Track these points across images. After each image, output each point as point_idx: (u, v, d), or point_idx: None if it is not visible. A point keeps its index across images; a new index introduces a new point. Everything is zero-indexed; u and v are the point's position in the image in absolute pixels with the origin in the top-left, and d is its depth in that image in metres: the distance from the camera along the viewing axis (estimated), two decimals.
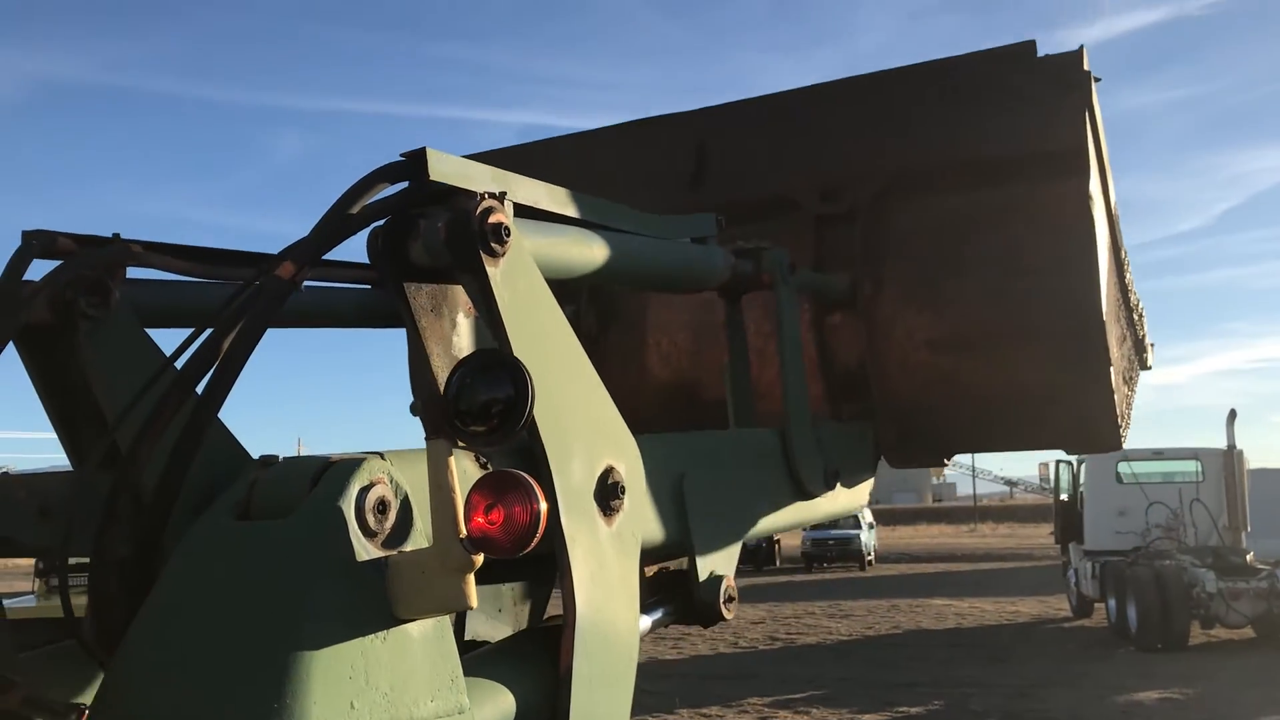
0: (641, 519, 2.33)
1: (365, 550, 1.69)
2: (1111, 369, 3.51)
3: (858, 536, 37.11)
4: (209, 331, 1.97)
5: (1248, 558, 18.78)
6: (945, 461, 3.95)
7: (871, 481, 3.76)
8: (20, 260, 2.47)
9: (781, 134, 3.98)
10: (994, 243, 3.58)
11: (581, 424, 2.18)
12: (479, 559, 1.69)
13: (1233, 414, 20.40)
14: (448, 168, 2.03)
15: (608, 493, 2.19)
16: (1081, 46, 3.57)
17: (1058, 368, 3.52)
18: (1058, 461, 24.05)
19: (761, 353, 3.43)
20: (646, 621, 2.51)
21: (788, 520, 3.25)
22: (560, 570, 2.05)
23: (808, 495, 3.22)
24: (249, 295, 1.96)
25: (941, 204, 3.69)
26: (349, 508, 1.69)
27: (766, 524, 3.11)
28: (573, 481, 2.10)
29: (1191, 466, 20.71)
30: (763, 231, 3.60)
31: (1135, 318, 4.13)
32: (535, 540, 1.74)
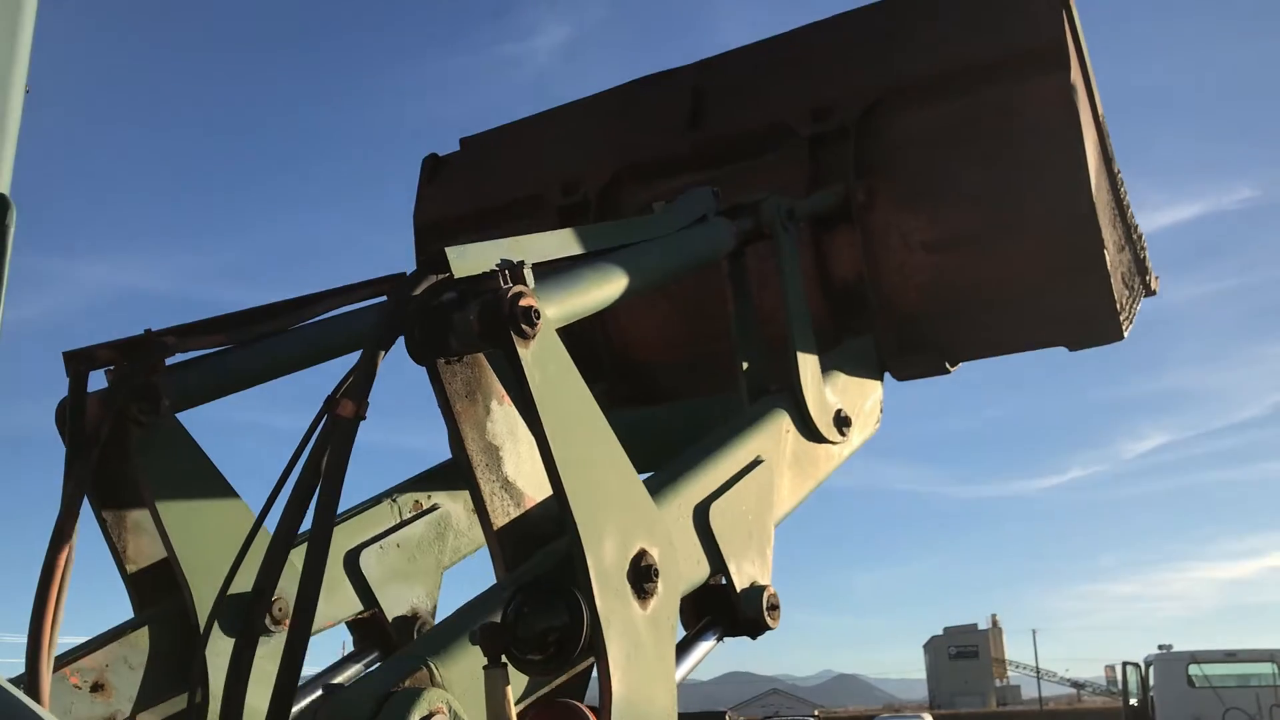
0: (676, 607, 2.34)
1: None
2: (1105, 253, 3.53)
3: None
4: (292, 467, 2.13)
5: None
6: (949, 368, 3.88)
7: (880, 399, 3.71)
8: (78, 391, 2.61)
9: (771, 68, 4.15)
10: (983, 142, 3.66)
11: (614, 505, 2.23)
12: None
13: None
14: (468, 260, 2.19)
15: (641, 575, 2.22)
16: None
17: (1052, 257, 3.56)
18: (1125, 664, 23.02)
19: (761, 274, 3.42)
20: (702, 647, 2.56)
21: (810, 485, 3.21)
22: (595, 652, 2.07)
23: (823, 440, 3.23)
24: (319, 436, 2.11)
25: (930, 113, 3.78)
26: None
27: (792, 502, 3.09)
28: (606, 562, 2.14)
29: (1268, 669, 19.71)
30: (758, 166, 3.79)
31: (1134, 236, 4.13)
32: None
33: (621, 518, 2.23)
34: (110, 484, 2.71)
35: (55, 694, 2.44)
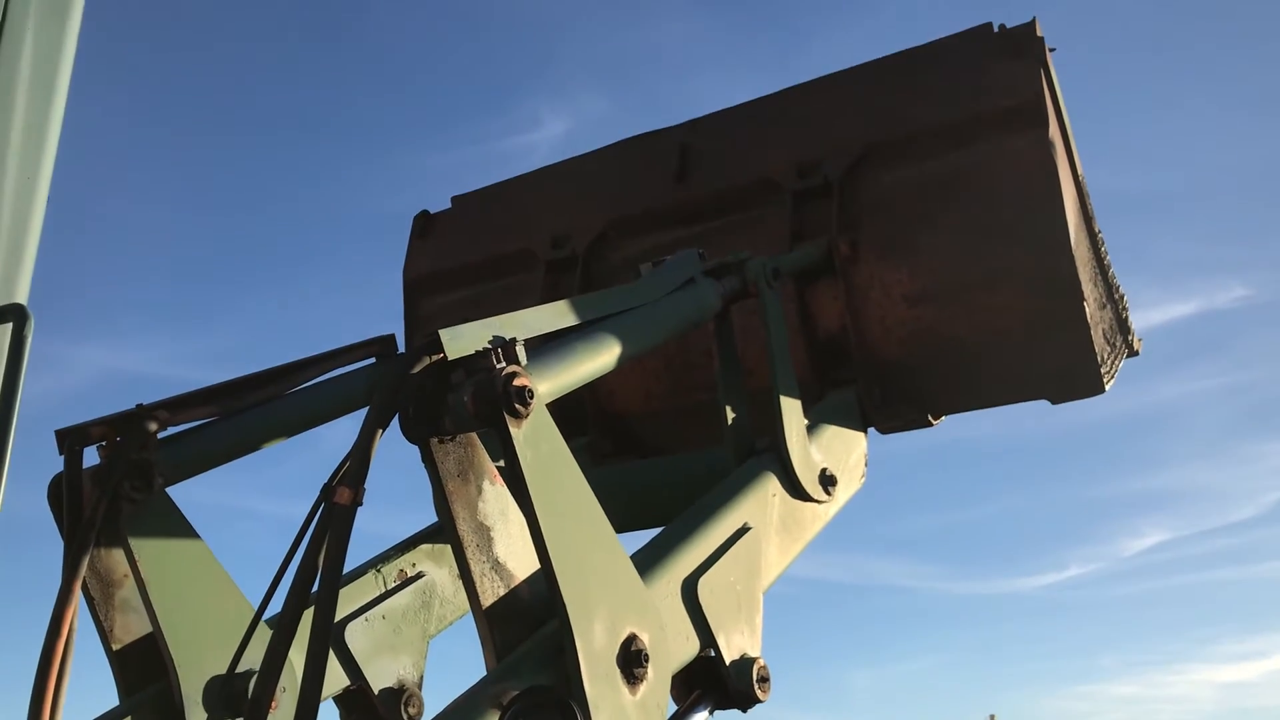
0: (666, 693, 2.33)
1: None
2: (1086, 307, 3.57)
3: None
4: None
5: None
6: (932, 421, 3.92)
7: (864, 452, 3.71)
8: (73, 468, 2.62)
9: (757, 126, 4.23)
10: (964, 197, 3.74)
11: (604, 588, 2.23)
12: None
13: None
14: (462, 342, 2.22)
15: (631, 660, 2.22)
16: (1034, 18, 3.86)
17: (1033, 311, 3.61)
18: None
19: (745, 328, 3.45)
20: None
21: (797, 547, 3.20)
22: None
23: (810, 499, 3.23)
24: (318, 523, 2.13)
25: (913, 170, 3.87)
26: None
27: (779, 568, 3.08)
28: (595, 647, 2.14)
29: None
30: (744, 220, 3.89)
31: (1115, 295, 4.18)
32: None
33: (611, 601, 2.23)
34: (98, 560, 2.69)
35: None
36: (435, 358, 2.19)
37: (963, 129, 3.81)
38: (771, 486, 3.11)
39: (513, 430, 2.13)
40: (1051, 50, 3.90)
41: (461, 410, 2.16)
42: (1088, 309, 3.62)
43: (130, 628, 2.79)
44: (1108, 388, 3.81)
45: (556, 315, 2.62)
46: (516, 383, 2.14)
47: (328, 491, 2.11)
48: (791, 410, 3.27)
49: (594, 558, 2.24)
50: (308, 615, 2.02)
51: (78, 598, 2.46)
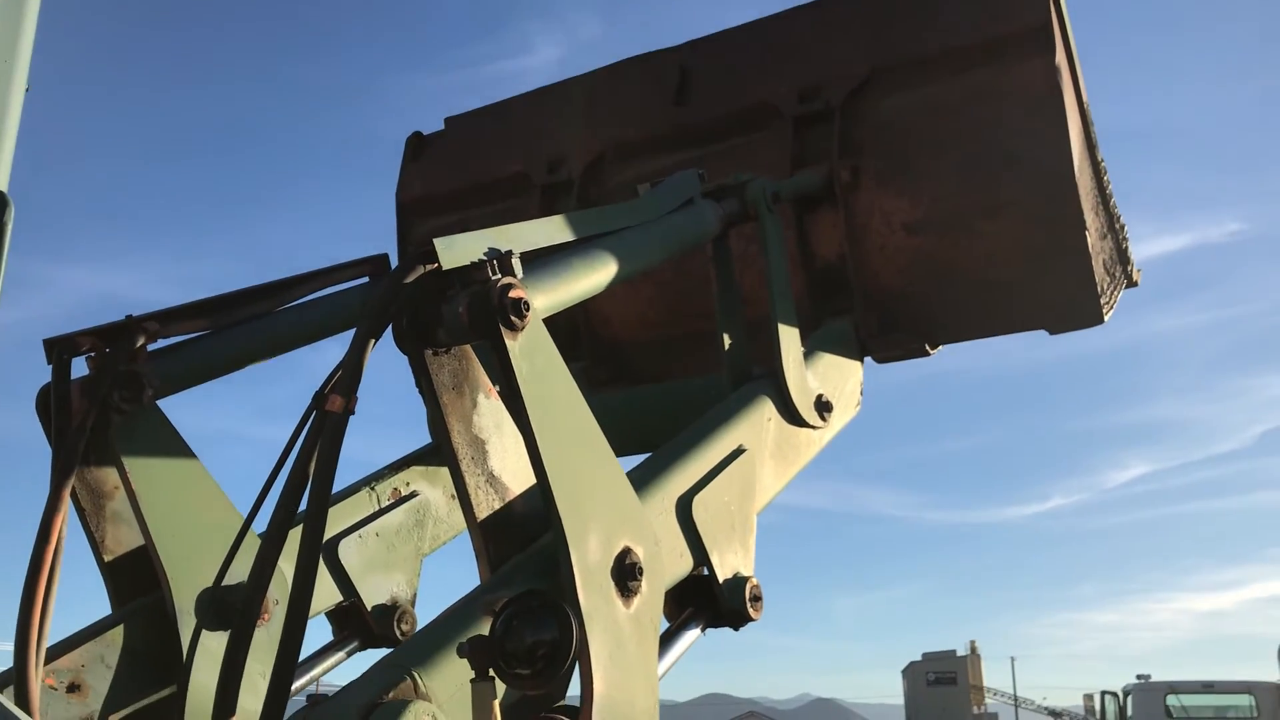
0: (659, 606, 2.32)
1: None
2: (1087, 235, 3.53)
3: None
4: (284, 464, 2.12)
5: None
6: (929, 350, 3.88)
7: (860, 381, 3.70)
8: (60, 378, 2.58)
9: (758, 49, 4.14)
10: (967, 124, 3.67)
11: (599, 503, 2.21)
12: None
13: None
14: (457, 252, 2.16)
15: (625, 573, 2.21)
16: None
17: (1033, 239, 3.56)
18: (1103, 693, 23.03)
19: (743, 256, 3.43)
20: (685, 639, 2.56)
21: (791, 471, 3.20)
22: (578, 649, 2.05)
23: (805, 425, 3.22)
24: (309, 433, 2.09)
25: (915, 95, 3.80)
26: None
27: (773, 490, 3.08)
28: (590, 559, 2.13)
29: (1245, 700, 19.72)
30: (744, 145, 3.80)
31: (1116, 225, 4.12)
32: None
33: (606, 515, 2.22)
34: (89, 473, 2.67)
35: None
36: (430, 267, 2.15)
37: (967, 54, 3.73)
38: (767, 411, 3.09)
39: (508, 343, 2.09)
40: None
41: (456, 321, 2.13)
42: (1089, 239, 3.58)
43: (121, 539, 2.78)
44: (1107, 319, 3.77)
45: (553, 230, 2.57)
46: (512, 294, 2.11)
47: (319, 399, 2.08)
48: (789, 336, 3.24)
49: (589, 471, 2.22)
50: (299, 530, 2.01)
51: (66, 505, 2.45)
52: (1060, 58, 3.64)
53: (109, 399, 2.49)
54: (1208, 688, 20.48)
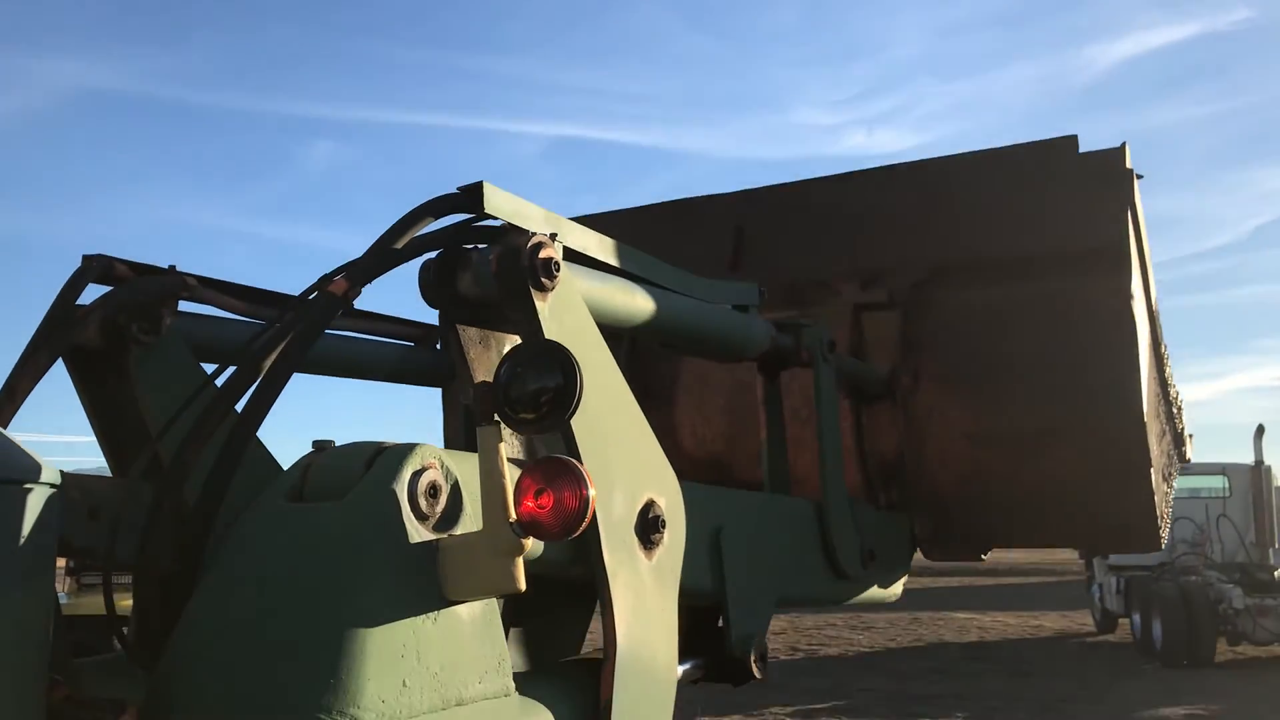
0: (680, 554, 2.35)
1: (417, 532, 1.74)
2: (1152, 470, 3.45)
3: None
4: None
5: (1275, 574, 18.61)
6: (983, 557, 3.92)
7: (906, 574, 3.75)
8: (77, 282, 2.48)
9: (821, 219, 3.94)
10: (1034, 338, 3.55)
11: (624, 458, 2.21)
12: (529, 543, 1.74)
13: (1261, 429, 20.23)
14: (503, 203, 2.08)
15: (648, 526, 2.23)
16: (1124, 144, 3.57)
17: (1097, 468, 3.48)
18: None
19: (798, 440, 3.41)
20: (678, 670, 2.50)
21: (822, 593, 3.25)
22: (602, 603, 2.09)
23: (843, 574, 3.21)
24: (300, 311, 2.01)
25: (981, 296, 3.66)
26: (402, 491, 1.74)
27: (801, 591, 3.12)
28: (614, 514, 2.13)
29: (1219, 482, 20.54)
30: (800, 316, 3.56)
31: (1174, 410, 4.08)
32: (583, 526, 1.79)
33: (633, 471, 2.22)
34: (111, 407, 2.61)
35: None
36: (468, 218, 2.09)
37: (1038, 261, 3.55)
38: (809, 530, 3.16)
39: (538, 303, 2.04)
40: (1139, 178, 3.57)
41: (484, 270, 2.07)
42: (1154, 476, 3.46)
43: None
44: (1163, 546, 3.69)
45: (605, 247, 2.47)
46: (544, 254, 2.04)
47: (325, 280, 2.01)
48: (836, 485, 3.24)
49: (617, 430, 2.21)
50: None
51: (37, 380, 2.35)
52: (1135, 280, 3.46)
53: (127, 329, 2.44)
54: (1184, 470, 21.26)
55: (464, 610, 1.76)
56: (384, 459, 1.78)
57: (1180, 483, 17.09)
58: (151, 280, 2.47)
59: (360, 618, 1.60)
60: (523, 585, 1.74)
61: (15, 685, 1.52)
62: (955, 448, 3.64)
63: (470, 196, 2.05)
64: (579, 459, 2.04)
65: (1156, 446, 3.64)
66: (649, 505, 2.24)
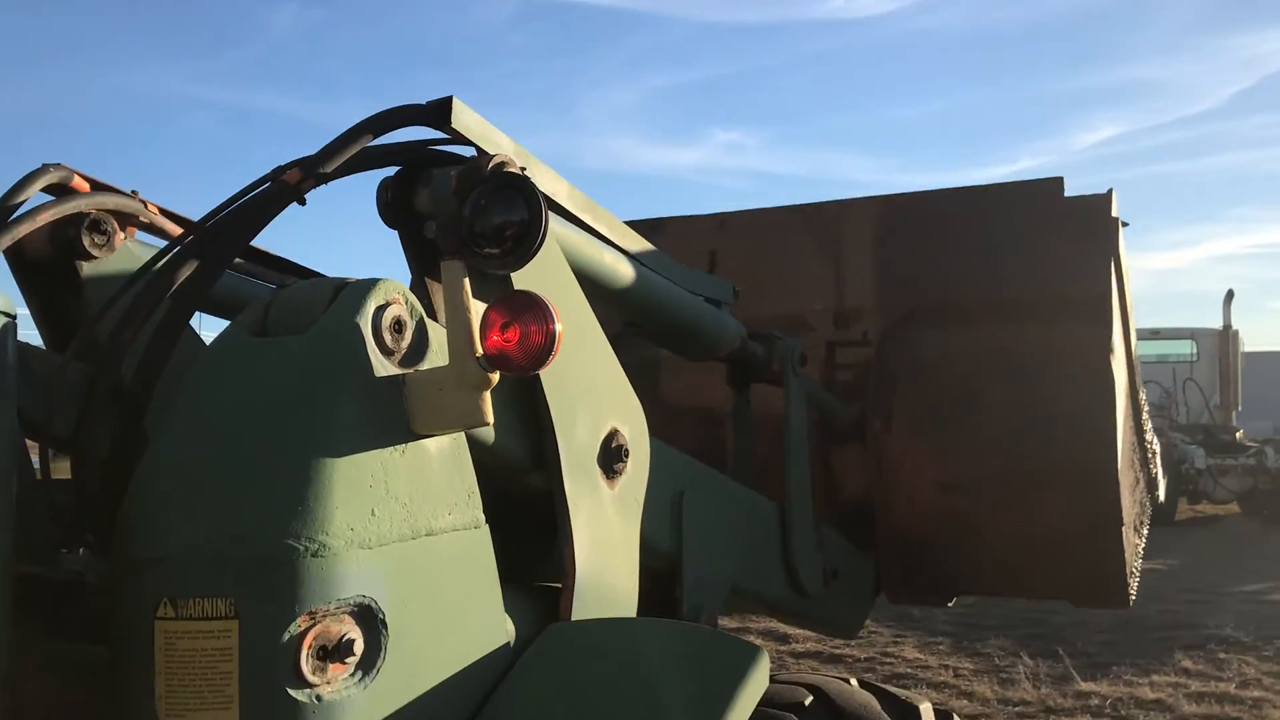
0: (643, 486, 2.33)
1: (383, 366, 1.73)
2: (1124, 527, 3.42)
3: None
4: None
5: (1237, 435, 19.07)
6: (948, 604, 3.89)
7: (867, 615, 3.76)
8: (27, 182, 2.40)
9: (797, 248, 3.84)
10: (1010, 385, 3.48)
11: (587, 385, 2.18)
12: (495, 377, 1.74)
13: (1230, 295, 20.45)
14: (471, 122, 2.01)
15: (611, 456, 2.20)
16: (1110, 191, 3.48)
17: (1068, 522, 3.43)
18: None
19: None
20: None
21: (777, 596, 3.20)
22: (560, 532, 2.07)
23: (800, 586, 3.18)
24: (249, 198, 1.94)
25: (958, 338, 3.58)
26: (366, 325, 1.72)
27: (756, 586, 3.08)
28: (576, 443, 2.11)
29: (1187, 347, 20.84)
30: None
31: (1149, 456, 4.04)
32: (549, 360, 1.79)
33: (596, 399, 2.19)
34: (61, 316, 2.45)
35: None
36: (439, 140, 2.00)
37: (1018, 306, 3.45)
38: (773, 534, 3.13)
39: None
40: (1124, 225, 3.45)
41: (443, 188, 1.95)
42: (1125, 532, 3.40)
43: None
44: (1131, 603, 3.59)
45: (576, 200, 2.36)
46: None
47: (279, 170, 1.94)
48: (803, 503, 3.19)
49: (580, 356, 2.17)
50: None
51: None
52: (1115, 332, 3.36)
53: (77, 240, 2.31)
54: (1153, 335, 21.53)
55: (432, 444, 1.77)
56: (347, 294, 1.76)
57: (1149, 348, 17.32)
58: (109, 197, 2.40)
59: (327, 448, 1.61)
60: (490, 419, 1.75)
61: None
62: (925, 493, 3.59)
63: (438, 112, 1.97)
64: (540, 386, 2.01)
65: (1129, 498, 3.61)
66: (613, 434, 2.21)
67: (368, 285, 1.78)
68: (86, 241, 2.31)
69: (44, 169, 2.40)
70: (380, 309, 1.75)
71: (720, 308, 3.05)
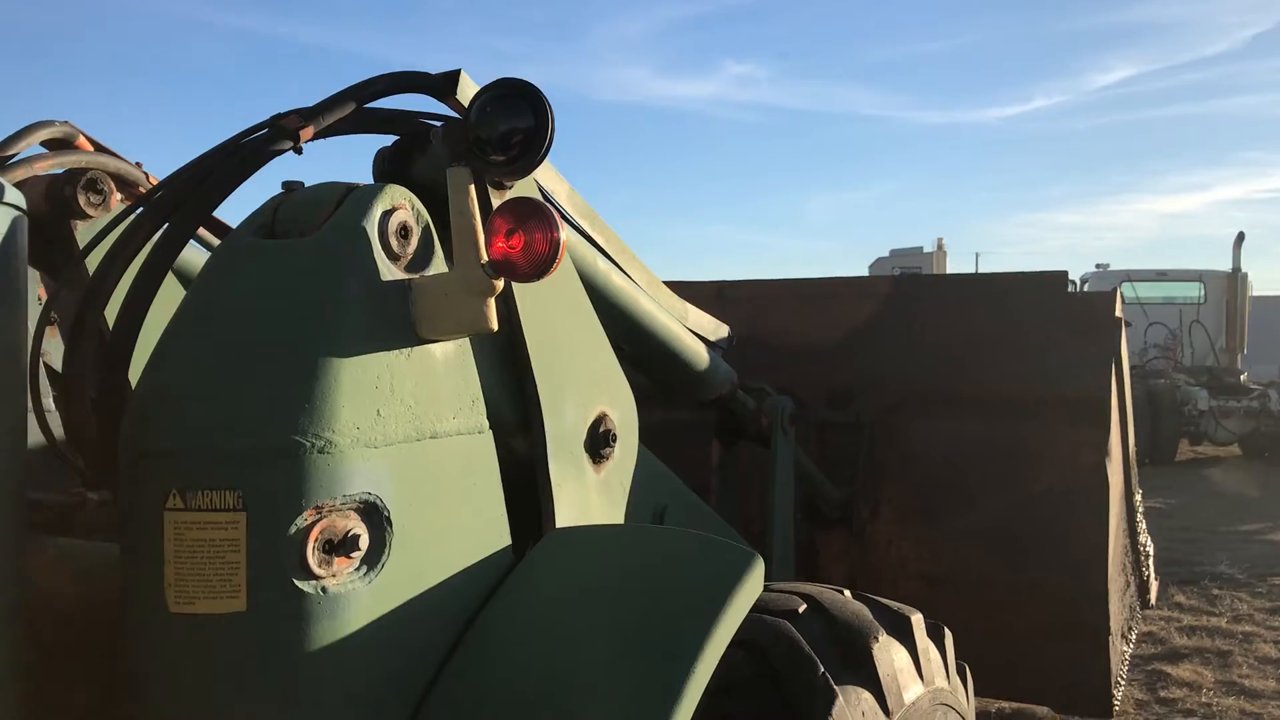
0: (630, 473, 2.31)
1: (389, 271, 1.75)
2: (1111, 636, 3.32)
3: None
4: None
5: (1241, 378, 19.06)
6: None
7: None
8: (26, 133, 2.37)
9: (796, 323, 3.76)
10: (1003, 481, 3.40)
11: (578, 367, 2.16)
12: (499, 283, 1.76)
13: (1240, 236, 20.29)
14: (470, 92, 1.96)
15: (598, 441, 2.19)
16: (1116, 289, 3.42)
17: (1054, 627, 3.34)
18: None
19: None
20: None
21: None
22: (543, 516, 2.07)
23: None
24: (245, 141, 1.92)
25: (953, 429, 3.50)
26: (372, 228, 1.74)
27: None
28: (564, 426, 2.09)
29: (1194, 290, 20.75)
30: None
31: (1141, 558, 3.94)
32: (554, 268, 1.80)
33: (586, 382, 2.17)
34: (54, 272, 2.44)
35: None
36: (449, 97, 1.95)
37: (1016, 401, 3.36)
38: None
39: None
40: (1127, 325, 3.36)
41: (440, 154, 1.90)
42: (1112, 642, 3.30)
43: None
44: (1116, 708, 3.45)
45: (577, 205, 2.32)
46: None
47: (279, 116, 1.92)
48: (785, 558, 3.14)
49: (572, 337, 2.16)
50: None
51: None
52: (1114, 435, 3.26)
53: (74, 199, 2.31)
54: (1161, 276, 21.45)
55: (437, 349, 1.79)
56: (354, 198, 1.77)
57: (1156, 289, 17.21)
58: (110, 160, 2.38)
59: (334, 348, 1.63)
60: (495, 325, 1.77)
61: None
62: (909, 585, 3.50)
63: (445, 84, 1.95)
64: (529, 365, 2.00)
65: (1118, 604, 3.53)
66: (601, 418, 2.19)
67: (375, 190, 1.79)
68: (82, 200, 2.31)
69: (44, 122, 2.39)
70: (387, 214, 1.77)
71: (716, 349, 3.02)
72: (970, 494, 3.45)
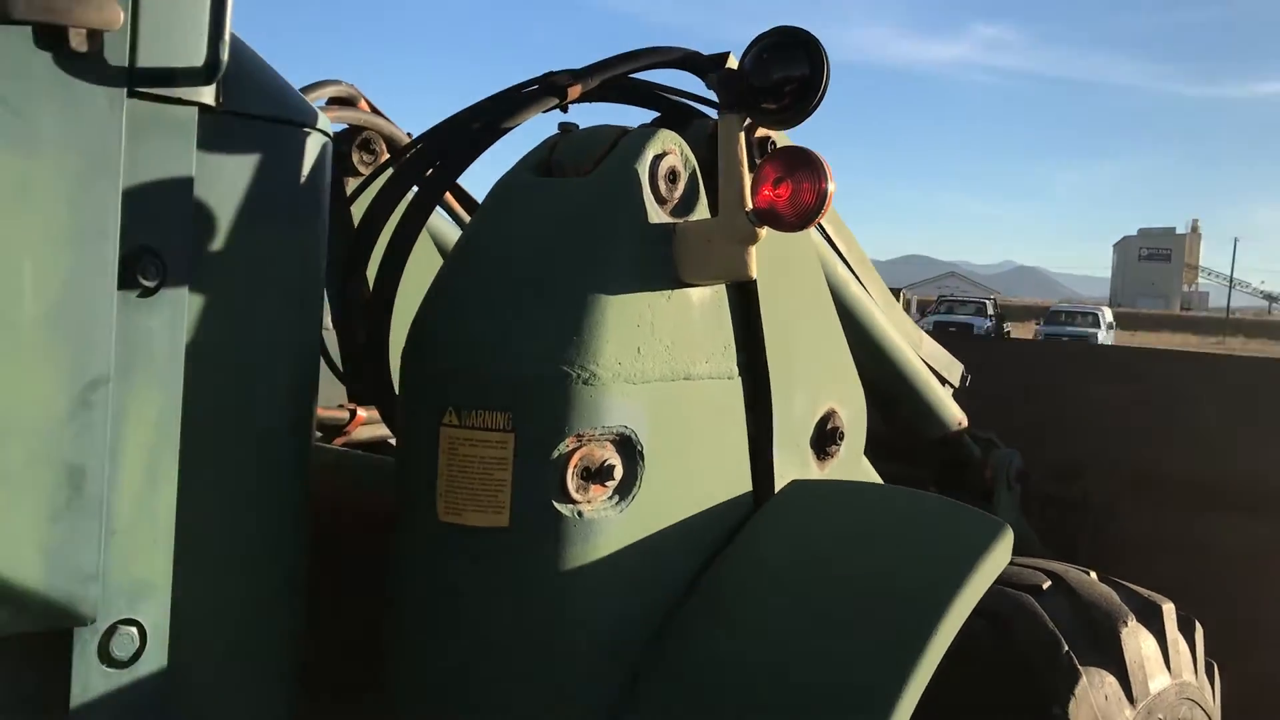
0: (854, 473, 2.24)
1: (656, 214, 1.80)
2: None
3: (1094, 335, 35.70)
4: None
5: None
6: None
7: None
8: (311, 89, 2.50)
9: (1014, 381, 3.54)
10: (1235, 587, 3.03)
11: (811, 360, 2.12)
12: (763, 231, 1.77)
13: None
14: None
15: (826, 438, 2.13)
16: None
17: None
18: None
19: None
20: None
21: None
22: (759, 500, 2.00)
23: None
24: (509, 90, 2.01)
25: (1186, 524, 3.21)
26: (644, 171, 1.80)
27: None
28: (792, 418, 2.04)
29: None
30: None
31: None
32: (818, 219, 1.80)
33: (817, 374, 2.13)
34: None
35: None
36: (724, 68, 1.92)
37: (1256, 497, 3.13)
38: None
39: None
40: None
41: (700, 140, 1.92)
42: None
43: None
44: None
45: (828, 219, 2.37)
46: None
47: (552, 73, 1.99)
48: None
49: (807, 328, 2.12)
50: None
51: None
52: None
53: (349, 157, 2.45)
54: None
55: (695, 294, 1.83)
56: (628, 140, 1.84)
57: None
58: (385, 123, 2.52)
59: (603, 285, 1.70)
60: (754, 273, 1.80)
61: (296, 305, 1.68)
62: None
63: (712, 65, 1.96)
64: (763, 353, 1.97)
65: None
66: (829, 415, 2.14)
67: (647, 133, 1.85)
68: (356, 158, 2.46)
69: (330, 81, 2.57)
70: (658, 158, 1.82)
71: (943, 386, 2.90)
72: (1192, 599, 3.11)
